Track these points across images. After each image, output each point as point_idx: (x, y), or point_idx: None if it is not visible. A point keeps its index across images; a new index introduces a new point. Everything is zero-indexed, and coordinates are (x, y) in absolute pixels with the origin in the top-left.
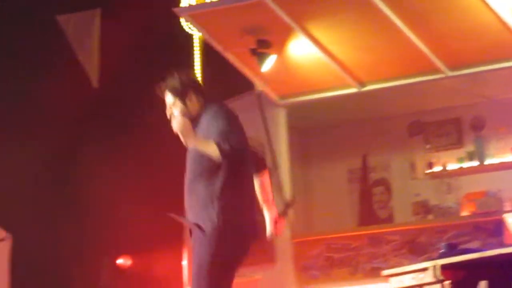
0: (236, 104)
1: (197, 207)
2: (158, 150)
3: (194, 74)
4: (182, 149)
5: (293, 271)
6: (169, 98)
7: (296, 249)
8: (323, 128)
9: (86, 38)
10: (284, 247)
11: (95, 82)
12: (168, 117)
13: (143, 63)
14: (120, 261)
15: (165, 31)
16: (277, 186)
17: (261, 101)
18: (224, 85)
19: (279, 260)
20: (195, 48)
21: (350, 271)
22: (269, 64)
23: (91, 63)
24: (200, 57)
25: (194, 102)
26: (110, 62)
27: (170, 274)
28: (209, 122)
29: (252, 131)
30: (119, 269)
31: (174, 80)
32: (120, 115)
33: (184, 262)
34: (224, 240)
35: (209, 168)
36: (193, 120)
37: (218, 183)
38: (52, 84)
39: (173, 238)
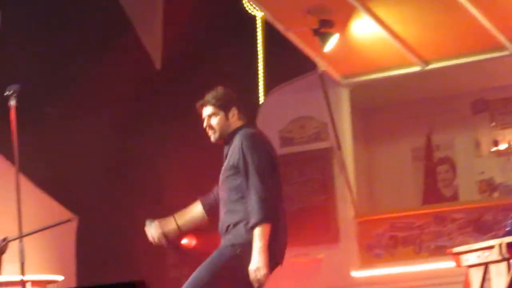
0: (299, 84)
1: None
2: None
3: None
4: None
5: (357, 250)
6: (208, 109)
7: (360, 228)
8: (387, 107)
9: (149, 20)
10: (348, 226)
11: (157, 64)
12: (205, 127)
13: (205, 44)
14: (184, 241)
15: (228, 12)
16: (340, 166)
17: (324, 81)
18: (287, 65)
19: (343, 239)
20: (257, 29)
21: (414, 249)
22: (331, 44)
23: (154, 44)
24: (263, 37)
25: (235, 118)
26: (172, 43)
27: None
28: (240, 149)
29: (315, 111)
30: (184, 249)
31: (218, 93)
32: (183, 96)
33: None
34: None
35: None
36: (228, 137)
37: None
38: (116, 65)
39: None
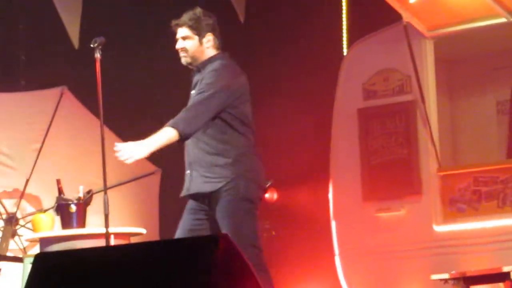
0: (383, 36)
1: None
2: (307, 83)
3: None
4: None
5: (439, 205)
6: (183, 31)
7: (443, 182)
8: (471, 60)
9: None
10: (431, 180)
11: (241, 17)
12: (177, 49)
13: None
14: (266, 195)
15: None
16: (423, 120)
17: (408, 33)
18: (371, 16)
19: (425, 193)
20: None
21: (498, 204)
22: None
23: None
24: None
25: (210, 45)
26: None
27: (317, 207)
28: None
29: (399, 63)
30: (266, 202)
31: (196, 15)
32: (267, 49)
33: (330, 195)
34: None
35: None
36: (200, 64)
37: None
38: None
39: (319, 171)
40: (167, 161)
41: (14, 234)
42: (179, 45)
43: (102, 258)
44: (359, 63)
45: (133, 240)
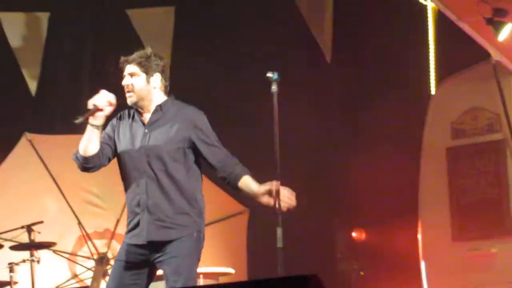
0: (471, 74)
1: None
2: (395, 123)
3: (166, 60)
4: (420, 120)
5: None
6: (131, 68)
7: None
8: None
9: (320, 13)
10: None
11: (328, 57)
12: (124, 86)
13: (375, 35)
14: (354, 234)
15: (398, 2)
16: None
17: (497, 71)
18: (459, 55)
19: None
20: (428, 18)
21: None
22: (505, 33)
23: (324, 38)
24: (434, 27)
25: (158, 86)
26: (342, 35)
27: (406, 247)
28: (188, 119)
29: (488, 102)
30: (354, 242)
31: (146, 54)
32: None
33: (420, 236)
34: None
35: None
36: (144, 107)
37: None
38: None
39: (408, 211)
40: (255, 200)
41: (105, 274)
42: (126, 81)
43: None
44: (447, 101)
45: (222, 280)
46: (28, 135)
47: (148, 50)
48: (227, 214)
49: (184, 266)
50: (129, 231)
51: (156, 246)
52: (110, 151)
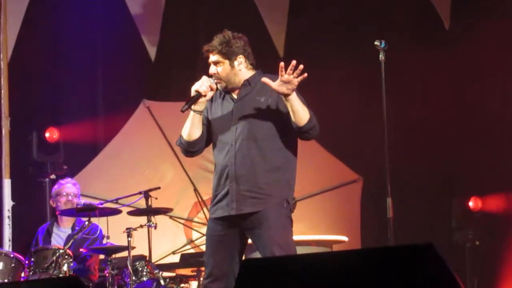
0: None
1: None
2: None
3: (245, 40)
4: None
5: None
6: (214, 57)
7: None
8: None
9: None
10: None
11: (446, 24)
12: (212, 74)
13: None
14: (470, 203)
15: None
16: None
17: None
18: None
19: None
20: None
21: None
22: None
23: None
24: None
25: (241, 68)
26: None
27: None
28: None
29: None
30: (470, 212)
31: (225, 39)
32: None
33: None
34: None
35: None
36: (236, 87)
37: None
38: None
39: None
40: (369, 168)
41: None
42: (212, 70)
43: (307, 265)
44: None
45: (335, 248)
46: (146, 102)
47: (228, 34)
48: (341, 182)
49: (275, 236)
50: (216, 203)
51: (246, 217)
52: (208, 132)
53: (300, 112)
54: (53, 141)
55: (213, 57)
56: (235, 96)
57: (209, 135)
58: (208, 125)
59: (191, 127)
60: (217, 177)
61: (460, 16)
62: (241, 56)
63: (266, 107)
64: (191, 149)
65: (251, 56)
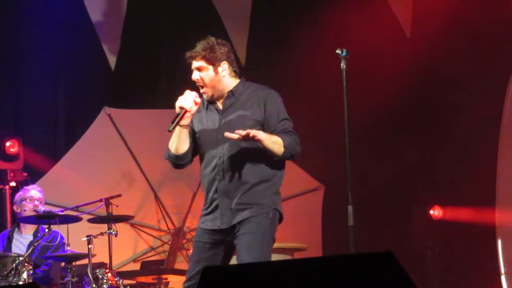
0: None
1: None
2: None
3: (231, 46)
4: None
5: None
6: (198, 62)
7: None
8: None
9: None
10: None
11: (407, 32)
12: (195, 81)
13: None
14: (432, 212)
15: None
16: None
17: None
18: None
19: None
20: None
21: None
22: None
23: (404, 14)
24: None
25: (225, 74)
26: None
27: (481, 225)
28: (260, 101)
29: None
30: (431, 220)
31: (209, 45)
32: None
33: (496, 214)
34: None
35: None
36: (220, 96)
37: None
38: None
39: (484, 191)
40: (330, 177)
41: (181, 248)
42: (195, 76)
43: (267, 272)
44: None
45: (296, 256)
46: (107, 109)
47: (211, 39)
48: (302, 190)
49: (256, 243)
50: (206, 214)
51: (233, 227)
52: (194, 144)
53: (274, 150)
54: (13, 149)
55: (196, 63)
56: (220, 106)
57: (196, 146)
58: (194, 135)
59: (179, 141)
60: (206, 190)
61: None
62: (225, 62)
63: (252, 121)
64: (180, 162)
65: (235, 63)
